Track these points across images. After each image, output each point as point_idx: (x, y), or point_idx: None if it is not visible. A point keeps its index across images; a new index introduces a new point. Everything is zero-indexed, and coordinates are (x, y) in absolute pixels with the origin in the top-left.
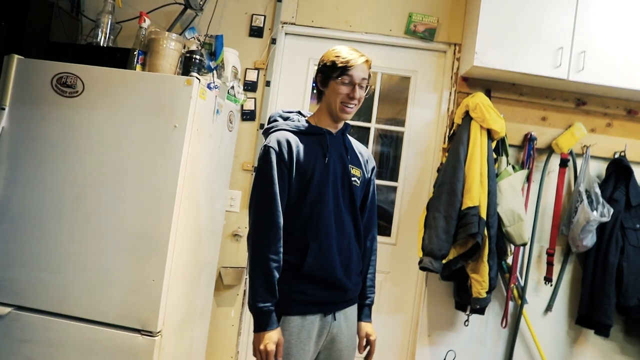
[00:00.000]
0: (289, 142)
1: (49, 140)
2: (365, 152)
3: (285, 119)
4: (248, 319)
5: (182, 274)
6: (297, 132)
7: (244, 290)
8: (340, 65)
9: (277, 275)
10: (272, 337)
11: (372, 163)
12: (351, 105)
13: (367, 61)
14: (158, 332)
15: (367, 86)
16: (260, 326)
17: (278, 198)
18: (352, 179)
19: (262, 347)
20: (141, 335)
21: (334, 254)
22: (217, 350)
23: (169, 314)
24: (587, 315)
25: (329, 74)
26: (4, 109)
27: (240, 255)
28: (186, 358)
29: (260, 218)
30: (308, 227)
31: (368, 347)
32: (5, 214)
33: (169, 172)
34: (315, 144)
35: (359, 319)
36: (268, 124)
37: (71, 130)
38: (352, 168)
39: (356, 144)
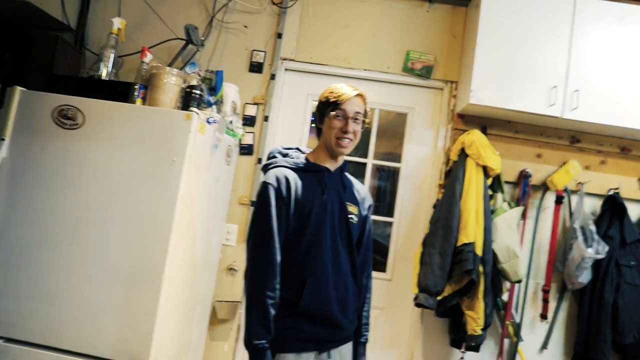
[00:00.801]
0: (287, 179)
1: (47, 171)
2: (362, 190)
3: (284, 155)
4: (242, 353)
5: (175, 308)
6: (296, 169)
7: (238, 325)
8: (332, 100)
9: (273, 312)
10: None
11: (368, 201)
12: (346, 140)
13: (360, 95)
14: None
15: (362, 121)
16: None
17: (276, 235)
18: (350, 216)
19: None
20: None
21: (331, 290)
22: None
23: (161, 348)
24: (584, 353)
25: (324, 110)
26: (4, 139)
27: (235, 289)
28: None
29: (258, 254)
30: (305, 264)
31: None
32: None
33: (165, 205)
34: (314, 181)
35: (354, 357)
36: (267, 160)
37: (69, 161)
38: (350, 205)
39: (354, 182)
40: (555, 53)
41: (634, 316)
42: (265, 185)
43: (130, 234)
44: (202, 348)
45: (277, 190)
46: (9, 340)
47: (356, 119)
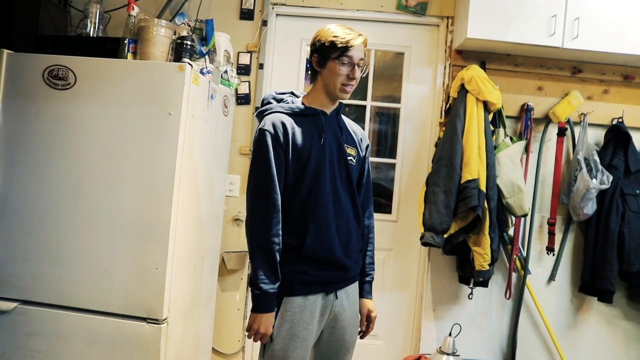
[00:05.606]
0: (284, 125)
1: (44, 134)
2: (359, 131)
3: (279, 100)
4: None
5: (185, 261)
6: (292, 114)
7: (248, 274)
8: (340, 45)
9: (278, 257)
10: (270, 320)
11: (366, 141)
12: (350, 86)
13: (364, 41)
14: (164, 320)
15: (364, 65)
16: (260, 308)
17: (276, 181)
18: (348, 158)
19: (256, 326)
20: (147, 323)
21: (333, 234)
22: (223, 335)
23: (174, 301)
24: (590, 282)
25: (328, 54)
26: None
27: (242, 239)
28: (193, 344)
29: (259, 201)
30: (306, 209)
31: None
32: (4, 210)
33: (166, 159)
34: (311, 125)
35: (361, 296)
36: (261, 107)
37: (65, 122)
38: (348, 147)
39: (350, 124)
40: None
41: None
42: (261, 132)
43: (133, 190)
44: (213, 299)
45: (274, 136)
46: (26, 302)
47: (360, 64)
